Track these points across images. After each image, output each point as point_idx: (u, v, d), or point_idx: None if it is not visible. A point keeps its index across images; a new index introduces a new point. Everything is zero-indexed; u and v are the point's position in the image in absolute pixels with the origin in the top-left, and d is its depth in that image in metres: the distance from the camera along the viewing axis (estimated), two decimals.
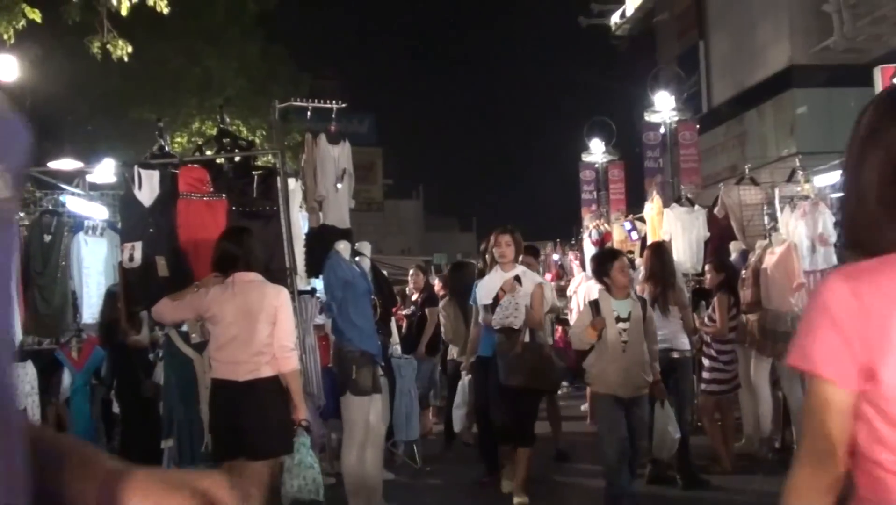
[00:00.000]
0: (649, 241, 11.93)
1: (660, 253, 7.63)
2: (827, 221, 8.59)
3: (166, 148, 7.63)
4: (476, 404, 7.59)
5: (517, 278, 6.93)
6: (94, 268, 8.60)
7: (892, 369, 1.50)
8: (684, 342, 7.36)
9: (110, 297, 7.66)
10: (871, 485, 1.59)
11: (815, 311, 1.60)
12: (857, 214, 1.67)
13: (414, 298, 10.56)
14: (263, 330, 5.08)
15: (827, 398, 1.60)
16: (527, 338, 6.89)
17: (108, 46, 11.61)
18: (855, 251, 1.65)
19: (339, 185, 7.30)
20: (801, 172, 9.35)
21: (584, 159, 22.72)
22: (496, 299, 6.93)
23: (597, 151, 22.43)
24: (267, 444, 5.13)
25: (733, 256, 9.45)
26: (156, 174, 6.98)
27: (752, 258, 8.60)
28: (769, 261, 8.18)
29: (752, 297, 8.29)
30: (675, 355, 7.21)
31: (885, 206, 1.60)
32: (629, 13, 26.35)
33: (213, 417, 5.30)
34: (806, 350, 1.61)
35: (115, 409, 8.41)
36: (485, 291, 7.14)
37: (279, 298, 5.21)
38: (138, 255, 6.85)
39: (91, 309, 8.43)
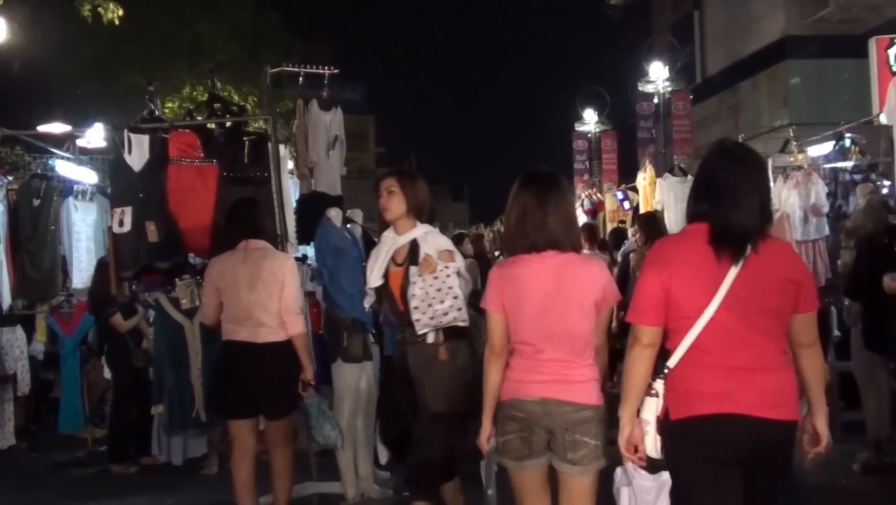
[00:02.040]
0: (641, 211, 11.94)
1: (652, 223, 7.63)
2: (819, 192, 8.59)
3: (156, 112, 7.56)
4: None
5: (414, 244, 4.67)
6: (83, 233, 8.56)
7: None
8: None
9: (101, 267, 7.63)
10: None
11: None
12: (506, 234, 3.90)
13: None
14: (273, 295, 5.25)
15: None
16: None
17: (99, 9, 11.49)
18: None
19: (330, 152, 7.26)
20: (794, 143, 9.34)
21: (577, 129, 22.65)
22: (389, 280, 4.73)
23: (590, 121, 22.36)
24: (278, 404, 5.37)
25: None
26: (146, 139, 6.92)
27: None
28: None
29: None
30: None
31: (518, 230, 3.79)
32: None
33: (221, 378, 5.44)
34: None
35: (106, 374, 8.42)
36: (370, 267, 4.82)
37: (285, 265, 5.40)
38: (128, 220, 6.81)
39: (81, 274, 8.41)
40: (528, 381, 3.65)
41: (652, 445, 3.19)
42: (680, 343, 3.14)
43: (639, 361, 3.18)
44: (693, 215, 3.27)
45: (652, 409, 3.18)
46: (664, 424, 3.17)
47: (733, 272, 3.10)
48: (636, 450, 3.20)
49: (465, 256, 11.03)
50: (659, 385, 3.18)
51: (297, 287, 5.43)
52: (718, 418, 3.06)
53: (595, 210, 15.66)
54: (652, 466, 3.22)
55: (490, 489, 4.35)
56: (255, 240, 5.45)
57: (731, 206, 3.15)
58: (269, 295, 5.29)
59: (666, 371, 3.17)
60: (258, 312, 5.29)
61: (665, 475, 3.22)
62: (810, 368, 3.24)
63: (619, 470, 3.36)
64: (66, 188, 8.50)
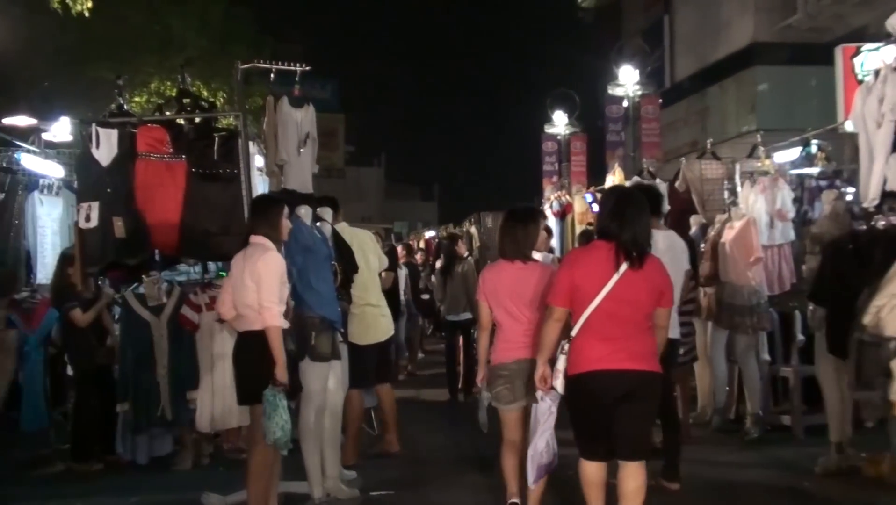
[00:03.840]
0: None
1: None
2: (785, 197, 8.68)
3: (125, 107, 7.49)
4: None
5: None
6: (48, 227, 8.47)
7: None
8: None
9: (63, 260, 7.54)
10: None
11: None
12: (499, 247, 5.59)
13: None
14: (252, 288, 5.42)
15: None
16: None
17: (68, 1, 11.33)
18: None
19: (301, 150, 7.23)
20: (761, 149, 9.43)
21: (546, 131, 22.71)
22: None
23: (559, 123, 22.43)
24: (239, 391, 5.64)
25: (693, 230, 9.53)
26: (114, 133, 6.87)
27: (712, 232, 8.67)
28: (728, 235, 8.26)
29: (711, 270, 8.37)
30: None
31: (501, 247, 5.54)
32: None
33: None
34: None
35: (69, 371, 8.31)
36: None
37: (264, 259, 5.48)
38: (95, 215, 6.75)
39: (45, 269, 8.32)
40: (505, 349, 5.37)
41: (560, 385, 4.80)
42: (578, 320, 4.71)
43: (551, 328, 4.82)
44: (602, 233, 4.82)
45: (562, 361, 4.77)
46: (567, 377, 4.76)
47: (616, 276, 4.63)
48: (545, 382, 4.86)
49: (459, 258, 11.22)
50: (566, 346, 4.76)
51: (276, 280, 5.44)
52: (597, 373, 4.66)
53: (564, 212, 15.71)
54: (558, 396, 4.92)
55: (483, 416, 5.66)
56: (255, 235, 5.59)
57: (630, 230, 4.69)
58: (247, 288, 5.43)
59: (570, 338, 4.75)
60: (242, 304, 5.48)
61: (553, 399, 4.95)
62: (660, 341, 4.88)
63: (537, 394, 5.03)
64: (32, 182, 8.40)
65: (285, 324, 5.54)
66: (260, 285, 5.41)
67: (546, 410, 5.02)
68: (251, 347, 5.46)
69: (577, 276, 4.72)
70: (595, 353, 4.64)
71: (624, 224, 4.70)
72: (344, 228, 7.47)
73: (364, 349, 7.36)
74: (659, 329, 4.84)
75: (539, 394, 4.98)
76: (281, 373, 5.36)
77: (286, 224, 5.72)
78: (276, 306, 5.40)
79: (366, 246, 7.57)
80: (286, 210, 5.74)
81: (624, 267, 4.62)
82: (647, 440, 4.92)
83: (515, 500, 5.40)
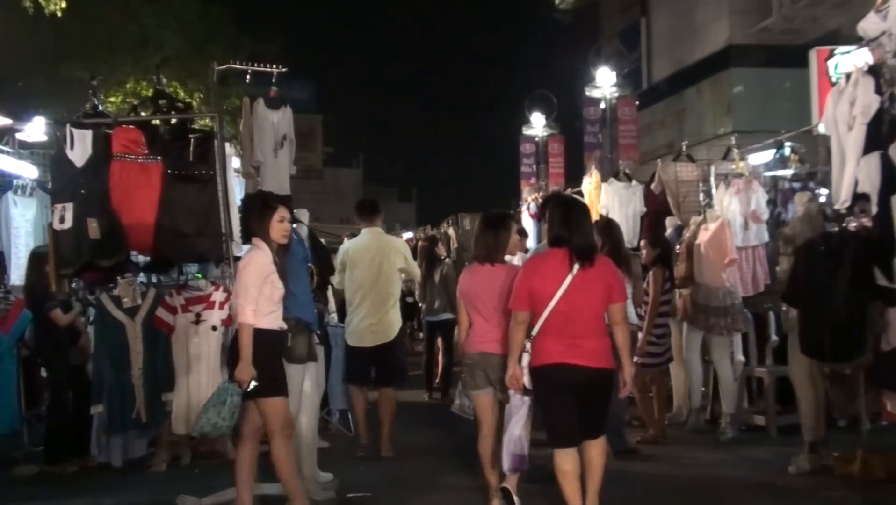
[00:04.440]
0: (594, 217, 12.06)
1: (609, 229, 7.69)
2: (760, 199, 8.75)
3: (100, 107, 7.44)
4: None
5: None
6: (22, 228, 8.40)
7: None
8: (632, 314, 7.55)
9: (35, 259, 7.47)
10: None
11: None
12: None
13: None
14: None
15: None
16: None
17: (42, 1, 11.24)
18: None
19: (279, 151, 7.21)
20: (735, 151, 9.49)
21: (524, 132, 22.78)
22: None
23: (537, 125, 22.51)
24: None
25: (669, 232, 9.59)
26: (89, 134, 6.82)
27: (687, 234, 8.73)
28: (703, 237, 8.31)
29: (686, 271, 8.42)
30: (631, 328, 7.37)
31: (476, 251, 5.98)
32: None
33: None
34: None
35: (43, 373, 8.24)
36: None
37: (243, 258, 5.62)
38: (69, 216, 6.71)
39: (19, 270, 8.23)
40: (473, 342, 5.86)
41: (527, 380, 5.21)
42: (538, 321, 5.14)
43: (516, 331, 5.26)
44: (554, 241, 5.27)
45: (526, 359, 5.19)
46: (530, 369, 5.18)
47: (570, 277, 5.08)
48: (517, 382, 5.26)
49: (439, 260, 11.35)
50: (528, 345, 5.18)
51: (251, 279, 5.39)
52: (555, 366, 5.10)
53: (555, 194, 15.72)
54: (525, 392, 5.35)
55: (457, 401, 6.11)
56: (253, 237, 5.65)
57: (579, 233, 5.20)
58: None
59: (531, 338, 5.18)
60: (234, 299, 5.58)
61: (528, 398, 5.44)
62: (621, 339, 5.24)
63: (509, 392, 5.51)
64: (6, 182, 8.33)
65: (273, 324, 5.50)
66: (236, 281, 5.49)
67: (519, 402, 5.51)
68: (235, 344, 5.47)
69: (534, 282, 5.19)
70: (553, 348, 5.10)
71: (573, 229, 5.20)
72: (378, 234, 8.05)
73: (356, 350, 7.94)
74: (617, 326, 5.21)
75: (511, 391, 5.47)
76: (242, 371, 5.32)
77: (279, 227, 5.61)
78: (248, 305, 5.36)
79: (390, 252, 7.95)
80: (279, 213, 5.63)
81: (576, 268, 5.10)
82: (604, 422, 5.35)
83: (506, 484, 5.69)
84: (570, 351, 5.06)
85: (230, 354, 5.56)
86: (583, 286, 5.08)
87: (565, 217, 5.28)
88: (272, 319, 5.52)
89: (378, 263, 7.85)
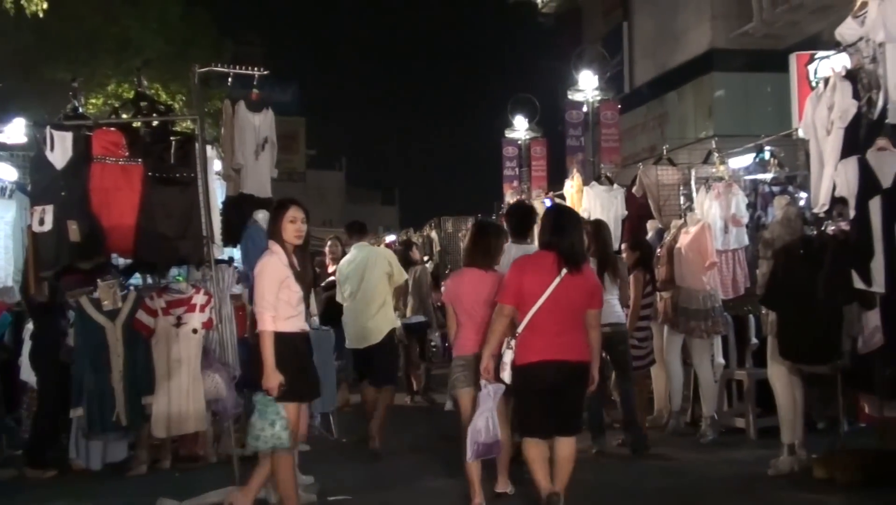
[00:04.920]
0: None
1: (598, 231, 7.78)
2: (740, 203, 8.79)
3: (80, 109, 7.42)
4: None
5: None
6: (1, 231, 8.30)
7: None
8: (620, 314, 7.68)
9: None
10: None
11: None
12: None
13: (331, 269, 10.44)
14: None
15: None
16: None
17: (22, 1, 11.18)
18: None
19: (260, 154, 7.21)
20: (716, 154, 9.54)
21: (507, 135, 22.80)
22: None
23: (520, 128, 22.52)
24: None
25: (650, 235, 9.63)
26: (69, 136, 6.80)
27: (668, 237, 8.77)
28: (683, 240, 8.35)
29: (667, 275, 8.47)
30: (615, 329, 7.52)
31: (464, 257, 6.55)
32: None
33: None
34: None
35: (23, 376, 8.16)
36: None
37: (258, 264, 5.51)
38: (49, 218, 6.68)
39: None
40: (463, 344, 6.12)
41: (507, 376, 5.50)
42: (524, 318, 5.46)
43: (499, 322, 5.57)
44: (544, 245, 5.66)
45: (510, 355, 5.49)
46: (513, 367, 5.47)
47: (557, 280, 5.44)
48: (489, 373, 5.59)
49: (413, 263, 11.42)
50: (512, 342, 5.48)
51: (267, 285, 5.38)
52: (539, 363, 5.44)
53: (555, 204, 15.75)
54: (501, 385, 5.60)
55: (448, 403, 6.45)
56: (269, 239, 5.61)
57: (568, 241, 5.56)
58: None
59: (517, 334, 5.48)
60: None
61: (496, 389, 5.61)
62: (594, 339, 5.62)
63: (481, 382, 5.74)
64: None
65: (294, 327, 5.49)
66: (255, 290, 5.45)
67: (486, 395, 5.66)
68: (257, 349, 5.48)
69: (525, 280, 5.51)
70: (539, 345, 5.44)
71: (563, 236, 5.57)
72: (362, 247, 8.38)
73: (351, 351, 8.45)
74: (591, 329, 5.63)
75: (483, 382, 5.70)
76: (268, 379, 5.31)
77: (292, 227, 5.54)
78: (267, 312, 5.35)
79: (376, 260, 8.31)
80: (291, 212, 5.56)
81: (564, 272, 5.46)
82: (579, 420, 5.87)
83: (505, 490, 6.16)
84: (553, 348, 5.43)
85: (253, 364, 5.51)
86: (568, 289, 5.46)
87: (557, 224, 5.67)
88: (293, 323, 5.50)
89: (362, 271, 8.15)
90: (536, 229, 6.38)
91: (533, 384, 5.48)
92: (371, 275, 8.15)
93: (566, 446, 5.56)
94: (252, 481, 5.67)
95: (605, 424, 7.91)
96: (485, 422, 5.66)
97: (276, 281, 5.40)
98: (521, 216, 7.05)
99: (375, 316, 8.12)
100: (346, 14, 63.57)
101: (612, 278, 7.55)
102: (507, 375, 5.49)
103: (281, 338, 5.38)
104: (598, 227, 7.94)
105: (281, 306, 5.39)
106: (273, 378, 5.32)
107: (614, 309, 7.58)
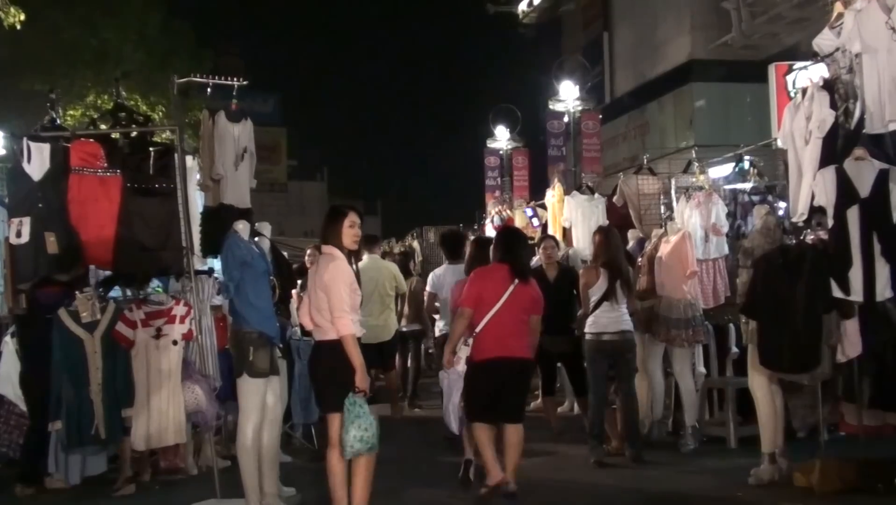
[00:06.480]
0: (550, 228, 12.11)
1: (608, 239, 7.92)
2: (720, 212, 8.83)
3: (58, 121, 7.37)
4: None
5: None
6: None
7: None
8: (629, 323, 7.85)
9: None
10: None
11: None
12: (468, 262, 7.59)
13: None
14: (323, 298, 5.52)
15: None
16: None
17: (0, 13, 11.12)
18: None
19: (239, 164, 7.17)
20: (696, 164, 9.58)
21: (489, 145, 22.87)
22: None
23: (502, 138, 22.59)
24: (322, 399, 5.79)
25: (630, 244, 9.65)
26: (46, 147, 6.76)
27: (649, 246, 8.79)
28: (664, 249, 8.38)
29: (647, 284, 8.48)
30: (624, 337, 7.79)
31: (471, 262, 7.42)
32: (536, 2, 26.53)
33: None
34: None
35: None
36: None
37: (330, 268, 5.54)
38: (26, 230, 6.64)
39: None
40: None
41: (461, 367, 6.55)
42: (481, 321, 6.45)
43: (459, 323, 6.59)
44: (498, 259, 6.68)
45: (465, 351, 6.54)
46: (471, 362, 6.49)
47: (510, 290, 6.47)
48: (450, 364, 6.64)
49: (410, 274, 12.04)
50: (470, 340, 6.48)
51: (343, 288, 5.46)
52: (492, 360, 6.41)
53: (505, 226, 15.79)
54: (459, 374, 6.60)
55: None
56: (325, 245, 5.69)
57: (519, 257, 6.68)
58: (319, 298, 5.53)
59: (474, 334, 6.48)
60: (315, 314, 5.58)
61: (456, 378, 6.62)
62: (534, 340, 6.67)
63: (441, 373, 6.94)
64: None
65: (361, 331, 5.57)
66: (329, 295, 5.47)
67: (456, 377, 6.65)
68: (327, 357, 5.54)
69: (483, 288, 6.56)
70: (491, 344, 6.41)
71: (515, 253, 6.67)
72: (375, 259, 10.48)
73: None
74: (534, 332, 6.65)
75: (445, 372, 6.77)
76: (361, 379, 5.40)
77: (350, 232, 5.63)
78: (346, 315, 5.45)
79: (384, 272, 10.47)
80: (350, 218, 5.65)
81: (516, 282, 6.48)
82: (523, 408, 6.80)
83: (509, 487, 6.39)
84: (504, 346, 6.41)
85: (329, 369, 5.54)
86: (518, 297, 6.51)
87: (508, 242, 6.86)
88: (358, 327, 5.58)
89: (374, 279, 9.92)
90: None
91: (486, 377, 6.42)
92: (381, 284, 10.10)
93: (514, 433, 6.44)
94: (357, 492, 5.63)
95: (605, 434, 7.94)
96: (458, 399, 6.68)
97: (348, 284, 5.53)
98: (455, 242, 9.26)
99: (383, 317, 10.13)
100: (328, 26, 63.63)
101: (624, 291, 7.75)
102: (461, 366, 6.56)
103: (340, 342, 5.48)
104: (608, 234, 8.00)
105: None
106: (366, 378, 5.46)
107: (624, 317, 7.75)
